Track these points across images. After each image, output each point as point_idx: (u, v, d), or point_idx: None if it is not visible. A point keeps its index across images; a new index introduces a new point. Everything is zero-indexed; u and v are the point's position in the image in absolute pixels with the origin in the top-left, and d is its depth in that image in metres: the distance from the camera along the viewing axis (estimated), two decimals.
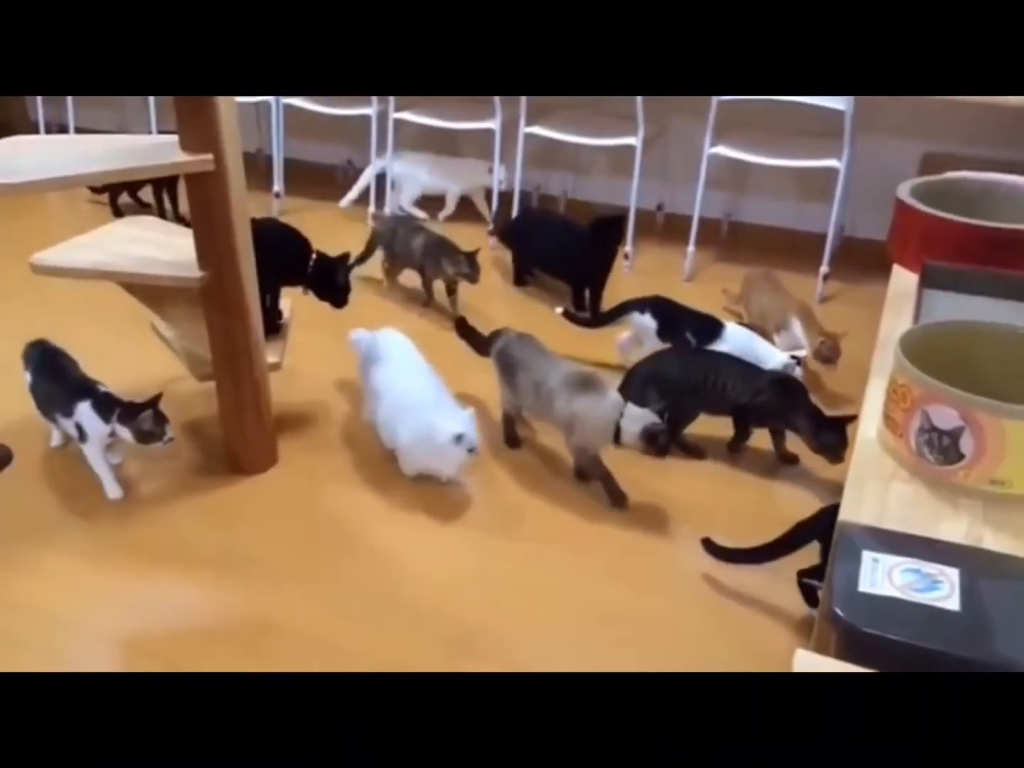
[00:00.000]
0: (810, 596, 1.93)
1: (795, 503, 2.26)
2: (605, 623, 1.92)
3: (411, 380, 2.30)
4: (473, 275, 3.12)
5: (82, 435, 2.17)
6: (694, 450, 2.41)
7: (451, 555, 2.10)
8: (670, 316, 2.70)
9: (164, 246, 2.21)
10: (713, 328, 2.64)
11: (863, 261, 3.45)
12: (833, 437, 2.22)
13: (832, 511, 1.90)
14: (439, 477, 2.26)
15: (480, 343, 2.55)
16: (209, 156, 1.93)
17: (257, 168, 4.26)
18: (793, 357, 2.51)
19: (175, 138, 1.99)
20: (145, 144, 2.10)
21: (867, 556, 1.36)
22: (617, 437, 2.11)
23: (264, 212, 3.97)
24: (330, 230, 3.94)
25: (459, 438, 2.11)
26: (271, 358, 2.29)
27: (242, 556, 2.07)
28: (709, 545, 2.02)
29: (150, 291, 2.20)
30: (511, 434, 2.44)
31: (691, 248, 3.48)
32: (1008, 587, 1.34)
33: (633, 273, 3.53)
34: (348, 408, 2.63)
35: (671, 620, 1.93)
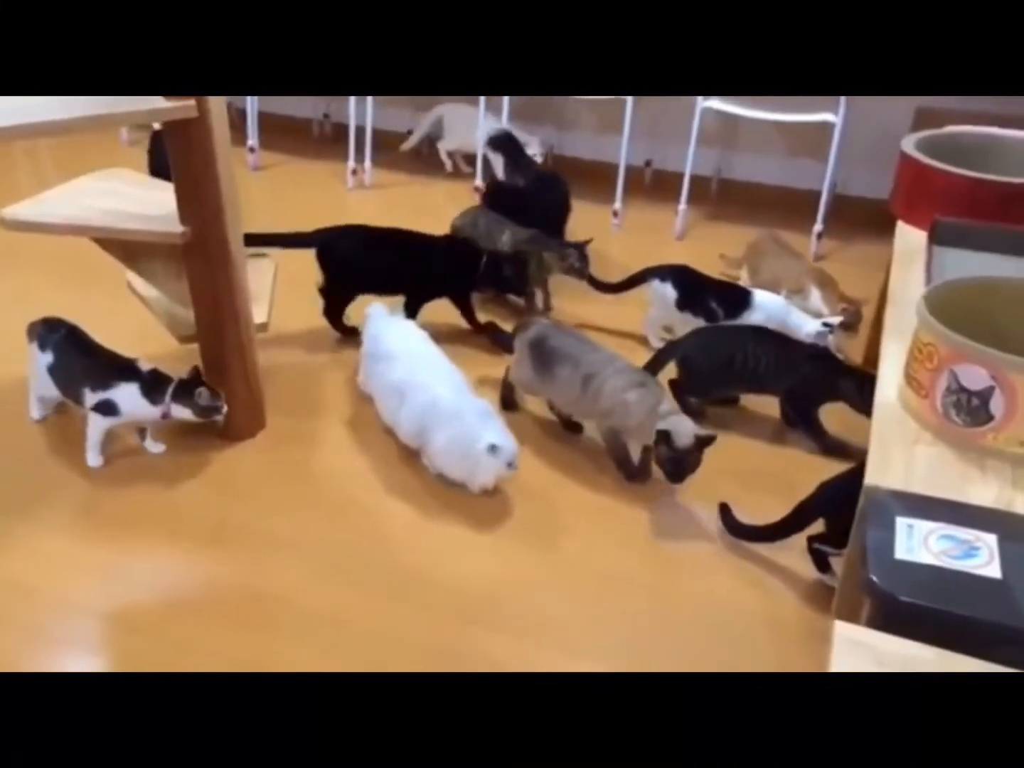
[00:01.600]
0: (821, 562, 1.89)
1: (805, 466, 2.22)
2: (616, 591, 1.86)
3: (439, 379, 2.13)
4: (584, 269, 2.71)
5: (108, 409, 2.04)
6: (693, 412, 2.35)
7: (452, 522, 2.03)
8: (692, 286, 2.57)
9: (141, 200, 2.09)
10: (741, 298, 2.53)
11: (855, 219, 3.40)
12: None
13: (830, 485, 1.86)
14: (471, 487, 2.06)
15: (504, 339, 2.40)
16: (192, 102, 1.81)
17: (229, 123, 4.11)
18: (825, 324, 2.43)
19: None
20: None
21: (901, 522, 1.31)
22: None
23: (239, 166, 3.83)
24: (307, 185, 3.83)
25: (495, 449, 1.97)
26: (257, 319, 2.19)
27: (235, 525, 1.99)
28: (725, 515, 1.96)
29: (127, 247, 2.08)
30: (509, 397, 2.37)
31: (682, 206, 3.39)
32: None
33: (622, 231, 3.45)
34: (335, 370, 2.54)
35: (682, 586, 1.88)
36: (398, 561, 1.91)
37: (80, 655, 1.69)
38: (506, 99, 3.52)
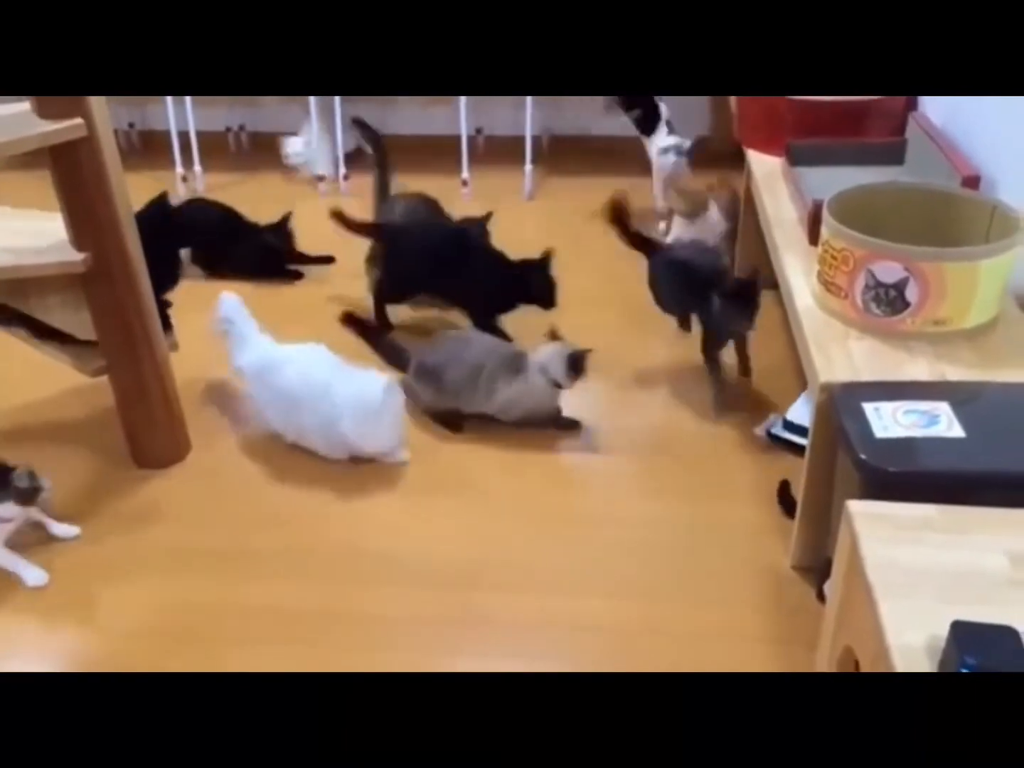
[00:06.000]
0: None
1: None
2: (566, 527, 1.97)
3: (314, 367, 2.12)
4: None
5: None
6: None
7: (416, 502, 2.06)
8: None
9: (17, 233, 1.95)
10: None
11: None
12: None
13: None
14: (397, 453, 2.12)
15: (388, 351, 2.39)
16: (79, 121, 1.71)
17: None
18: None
19: (25, 106, 1.75)
20: None
21: (868, 407, 1.48)
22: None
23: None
24: (135, 200, 3.63)
25: (389, 388, 2.02)
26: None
27: (191, 551, 1.93)
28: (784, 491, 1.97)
29: (16, 286, 1.94)
30: (450, 420, 2.28)
31: (528, 166, 3.50)
32: (993, 408, 1.51)
33: (473, 199, 3.50)
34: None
35: (615, 511, 2.01)
36: (371, 548, 1.93)
37: None
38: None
